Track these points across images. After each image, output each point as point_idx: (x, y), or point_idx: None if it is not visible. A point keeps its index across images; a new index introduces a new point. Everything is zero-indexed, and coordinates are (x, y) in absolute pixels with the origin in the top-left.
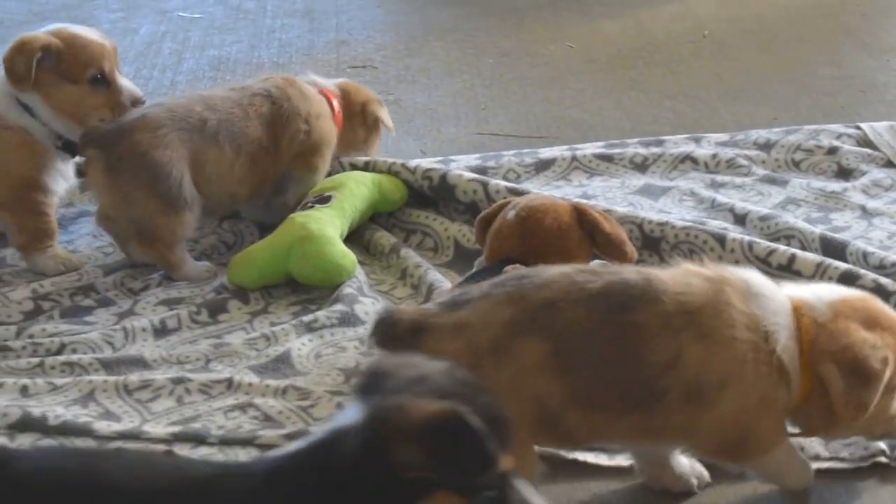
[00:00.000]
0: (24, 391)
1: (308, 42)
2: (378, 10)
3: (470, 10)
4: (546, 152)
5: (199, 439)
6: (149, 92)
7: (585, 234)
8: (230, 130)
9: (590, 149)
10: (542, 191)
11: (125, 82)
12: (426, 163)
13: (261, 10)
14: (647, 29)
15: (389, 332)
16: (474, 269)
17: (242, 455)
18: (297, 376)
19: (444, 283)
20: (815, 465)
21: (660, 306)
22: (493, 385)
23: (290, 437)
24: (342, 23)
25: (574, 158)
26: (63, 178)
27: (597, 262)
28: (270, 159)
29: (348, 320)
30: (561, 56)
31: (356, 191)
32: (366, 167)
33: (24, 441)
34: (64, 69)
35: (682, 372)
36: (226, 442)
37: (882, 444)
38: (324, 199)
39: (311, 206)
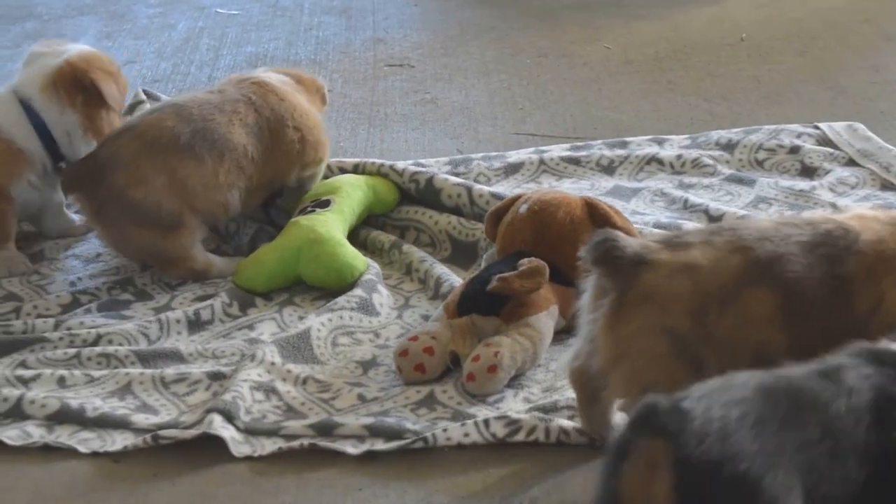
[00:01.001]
0: (62, 382)
1: (345, 40)
2: (415, 9)
3: (506, 10)
4: (514, 156)
5: (228, 417)
6: (186, 88)
7: (597, 227)
8: (209, 139)
9: (556, 151)
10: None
11: None
12: (413, 166)
13: (298, 8)
14: (684, 31)
15: (610, 256)
16: (483, 263)
17: (268, 444)
18: (316, 365)
19: (451, 276)
20: None
21: (862, 257)
22: (715, 330)
23: (314, 427)
24: (378, 21)
25: (542, 162)
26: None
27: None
28: (259, 167)
29: (366, 307)
30: (598, 57)
31: (353, 194)
32: (355, 170)
33: (63, 433)
34: (115, 97)
35: (885, 317)
36: (251, 431)
37: None
38: (323, 204)
39: (312, 211)
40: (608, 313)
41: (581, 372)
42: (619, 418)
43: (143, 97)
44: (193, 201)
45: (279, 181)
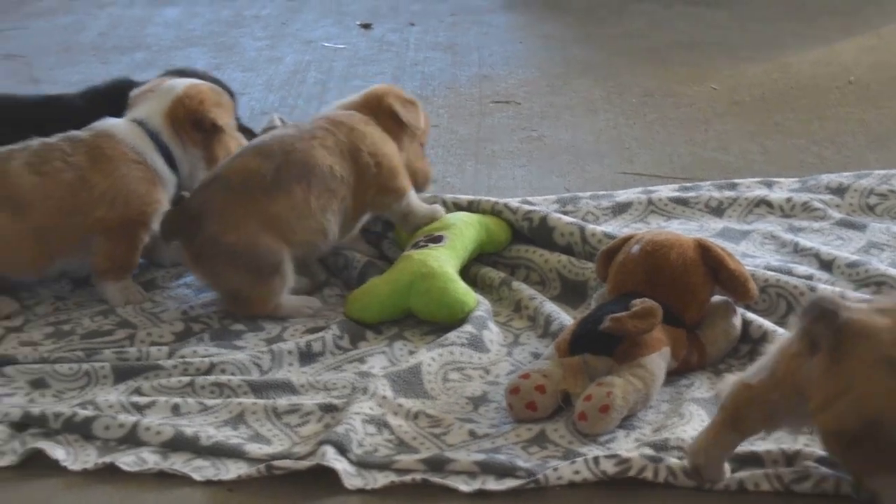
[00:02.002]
0: (176, 410)
1: (451, 76)
2: (520, 46)
3: (612, 48)
4: (622, 195)
5: (341, 450)
6: (294, 120)
7: (709, 270)
8: (293, 169)
9: (664, 191)
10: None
11: None
12: (526, 205)
13: (403, 43)
14: (792, 73)
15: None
16: (593, 303)
17: (380, 478)
18: (427, 399)
19: (560, 314)
20: None
21: None
22: None
23: (426, 462)
24: (484, 58)
25: (650, 202)
26: None
27: (718, 297)
28: (350, 186)
29: (476, 344)
30: (704, 98)
31: (465, 232)
32: (469, 206)
33: (177, 460)
34: (228, 124)
35: None
36: (363, 464)
37: None
38: (436, 239)
39: (425, 246)
40: (825, 355)
41: (748, 401)
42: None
43: (278, 122)
44: (290, 234)
45: (364, 205)
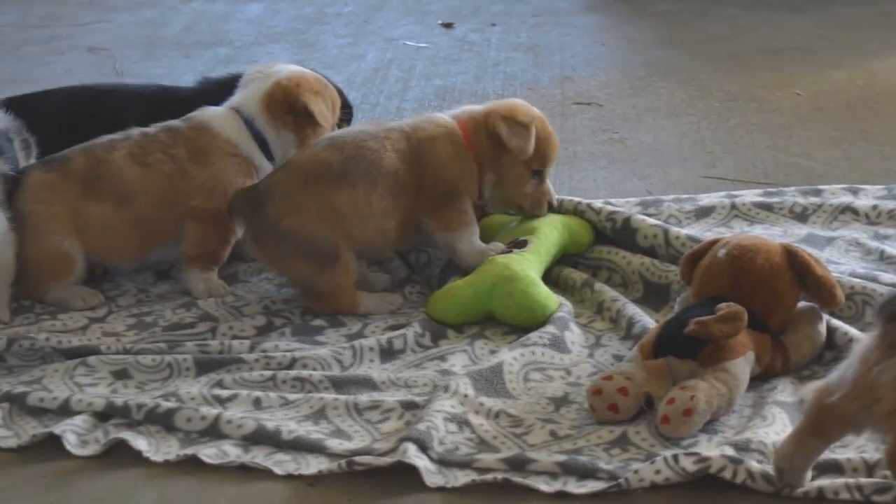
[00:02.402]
0: (258, 403)
1: (532, 76)
2: (602, 48)
3: (694, 52)
4: (705, 199)
5: (422, 447)
6: (375, 118)
7: (795, 275)
8: (359, 166)
9: (748, 196)
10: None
11: None
12: (609, 206)
13: (485, 43)
14: (876, 80)
15: None
16: (677, 306)
17: (461, 476)
18: (508, 399)
19: (643, 317)
20: None
21: None
22: None
23: (507, 461)
24: (566, 59)
25: (734, 206)
26: None
27: (804, 303)
28: (411, 196)
29: (557, 344)
30: (788, 103)
31: (549, 235)
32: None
33: (258, 453)
34: (324, 116)
35: None
36: (444, 462)
37: None
38: (520, 244)
39: (509, 251)
40: None
41: (829, 409)
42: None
43: None
44: (349, 229)
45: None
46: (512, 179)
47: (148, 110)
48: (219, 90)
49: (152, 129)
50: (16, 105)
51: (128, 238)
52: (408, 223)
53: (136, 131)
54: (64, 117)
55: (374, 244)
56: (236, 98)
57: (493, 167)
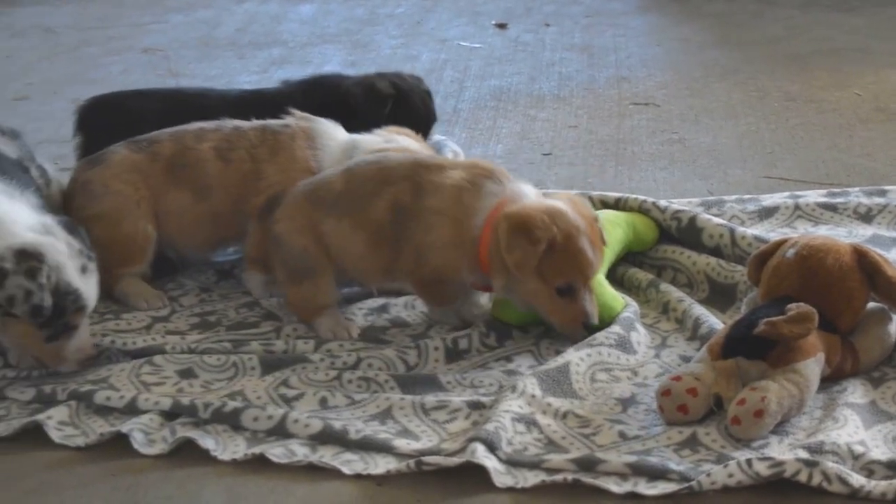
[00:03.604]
0: (324, 403)
1: (588, 77)
2: (658, 49)
3: (750, 53)
4: (768, 199)
5: (491, 447)
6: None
7: (865, 276)
8: (350, 203)
9: (812, 197)
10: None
11: None
12: (674, 204)
13: (539, 43)
14: None
15: None
16: (744, 307)
17: (530, 477)
18: (575, 399)
19: (709, 317)
20: None
21: None
22: None
23: (577, 462)
24: (621, 59)
25: (797, 207)
26: None
27: (873, 304)
28: (395, 252)
29: (624, 345)
30: (848, 104)
31: (613, 233)
32: (616, 204)
33: (326, 453)
34: None
35: None
36: (513, 463)
37: None
38: None
39: None
40: None
41: None
42: None
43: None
44: (332, 254)
45: None
46: (527, 293)
47: (237, 114)
48: (301, 92)
49: (246, 124)
50: (101, 105)
51: (201, 229)
52: (390, 272)
53: (229, 124)
54: (154, 120)
55: (356, 277)
56: (360, 137)
57: (498, 272)
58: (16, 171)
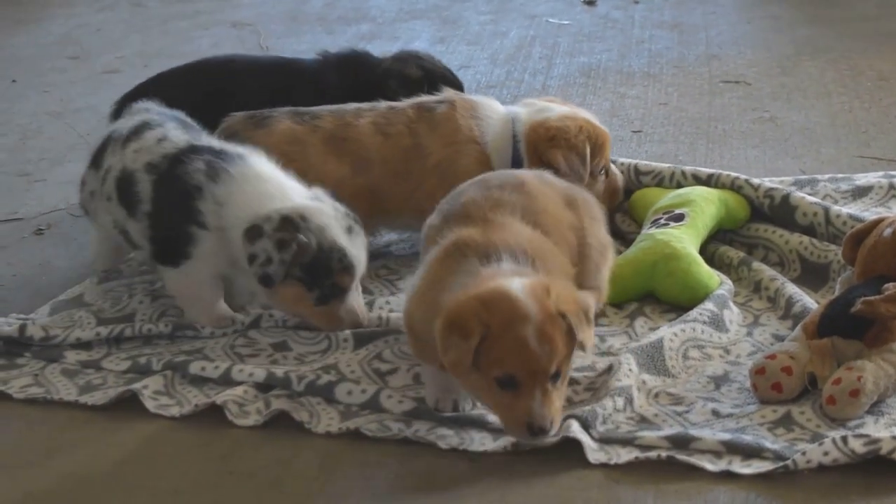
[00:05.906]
0: (418, 379)
1: (678, 54)
2: (748, 27)
3: (842, 30)
4: (862, 179)
5: (585, 425)
6: (520, 95)
7: None
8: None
9: None
10: None
11: None
12: (768, 182)
13: (628, 20)
14: None
15: None
16: (838, 286)
17: (624, 454)
18: (668, 377)
19: (802, 296)
20: None
21: None
22: None
23: (670, 439)
24: (711, 37)
25: (892, 186)
26: None
27: None
28: None
29: (716, 322)
30: None
31: (706, 209)
32: (709, 180)
33: (421, 427)
34: (568, 170)
35: None
36: (606, 440)
37: None
38: (677, 217)
39: (666, 224)
40: None
41: None
42: None
43: None
44: None
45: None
46: (468, 386)
47: (265, 81)
48: (335, 67)
49: (402, 103)
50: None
51: (360, 204)
52: None
53: (383, 104)
54: (196, 92)
55: None
56: (518, 109)
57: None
58: None
